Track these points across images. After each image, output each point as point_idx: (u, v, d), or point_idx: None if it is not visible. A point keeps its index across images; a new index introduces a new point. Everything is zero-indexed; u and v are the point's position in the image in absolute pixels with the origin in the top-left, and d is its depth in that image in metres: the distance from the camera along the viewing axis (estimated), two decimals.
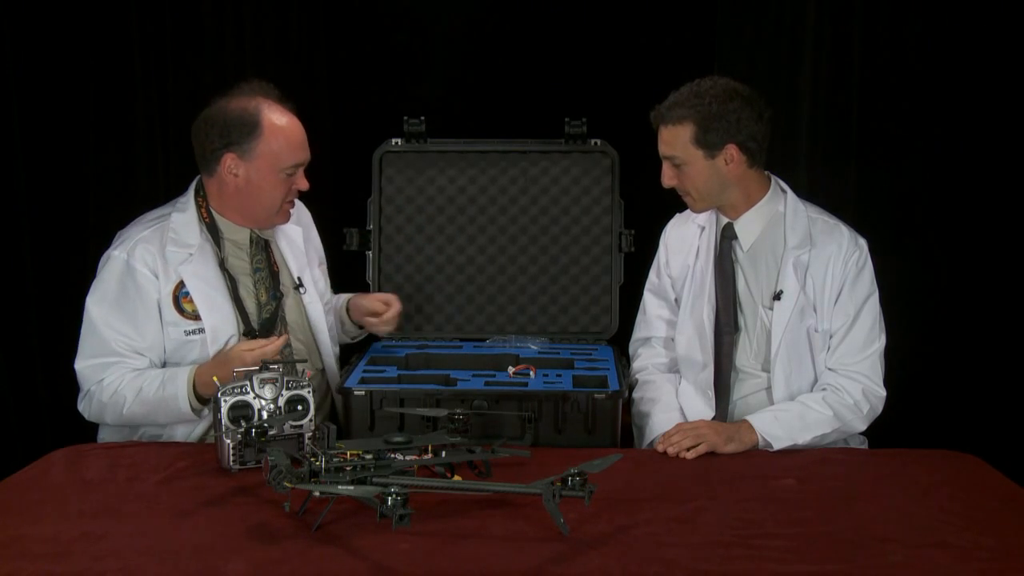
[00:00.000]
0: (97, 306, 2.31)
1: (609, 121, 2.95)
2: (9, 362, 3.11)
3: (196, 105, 2.43)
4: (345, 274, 2.84)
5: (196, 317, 2.32)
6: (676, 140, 2.30)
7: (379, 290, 2.87)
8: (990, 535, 1.73)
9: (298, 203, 2.55)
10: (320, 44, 3.32)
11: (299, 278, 2.50)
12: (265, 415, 2.02)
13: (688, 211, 2.49)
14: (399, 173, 2.93)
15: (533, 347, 2.71)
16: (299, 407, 2.06)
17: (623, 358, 2.66)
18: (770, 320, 2.34)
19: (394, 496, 1.61)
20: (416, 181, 2.93)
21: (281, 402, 2.04)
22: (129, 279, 2.31)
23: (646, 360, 2.56)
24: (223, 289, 2.36)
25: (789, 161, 2.98)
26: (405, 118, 2.91)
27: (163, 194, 2.60)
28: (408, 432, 1.98)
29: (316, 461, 1.75)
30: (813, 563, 1.63)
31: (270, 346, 2.24)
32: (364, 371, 2.44)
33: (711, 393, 2.39)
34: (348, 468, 1.77)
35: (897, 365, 2.44)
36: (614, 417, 2.24)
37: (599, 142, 2.90)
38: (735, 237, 2.41)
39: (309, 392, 2.07)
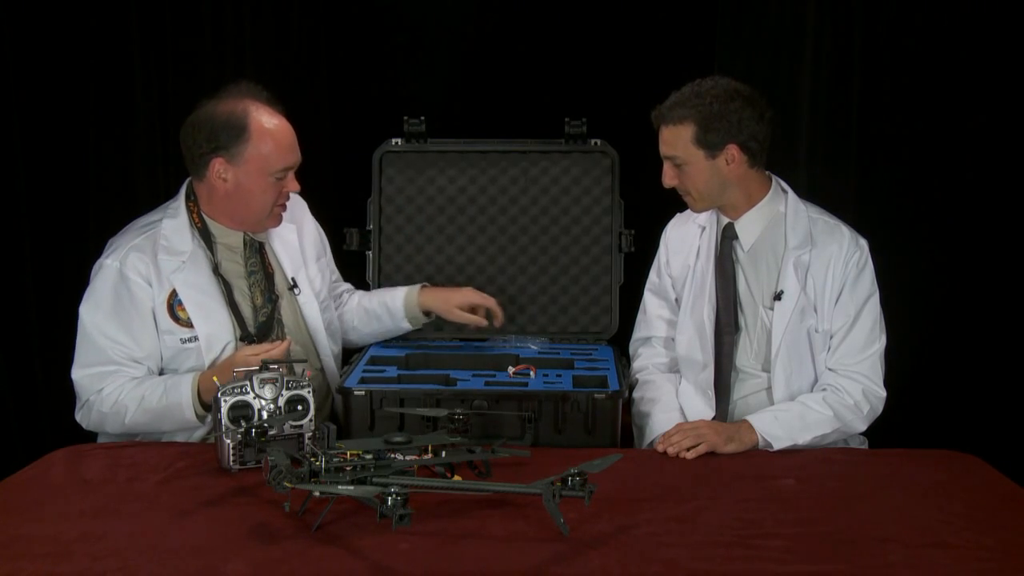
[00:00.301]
0: (91, 315, 2.29)
1: (609, 121, 2.95)
2: (9, 363, 3.11)
3: (196, 105, 2.41)
4: (345, 274, 2.83)
5: (191, 325, 2.31)
6: (677, 140, 2.30)
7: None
8: (990, 535, 1.73)
9: (294, 197, 2.54)
10: (320, 44, 3.32)
11: (293, 279, 2.49)
12: (265, 415, 2.02)
13: (688, 211, 2.49)
14: (399, 173, 2.92)
15: (533, 347, 2.71)
16: (299, 407, 2.06)
17: (623, 358, 2.66)
18: (770, 320, 2.34)
19: (394, 496, 1.61)
20: (416, 181, 2.92)
21: (281, 402, 2.04)
22: (123, 288, 2.29)
23: (646, 360, 2.56)
24: (217, 295, 2.35)
25: (789, 161, 2.98)
26: (405, 118, 2.90)
27: (163, 194, 2.60)
28: (408, 432, 1.98)
29: (316, 461, 1.75)
30: (813, 563, 1.63)
31: (274, 351, 2.24)
32: (364, 371, 2.44)
33: (711, 393, 2.39)
34: (348, 468, 1.77)
35: (897, 365, 2.44)
36: (614, 417, 2.24)
37: (599, 142, 2.90)
38: (736, 237, 2.41)
39: (309, 392, 2.07)
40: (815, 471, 2.07)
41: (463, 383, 2.34)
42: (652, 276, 2.60)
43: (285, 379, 2.05)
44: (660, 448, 2.17)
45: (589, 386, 2.32)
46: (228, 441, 2.00)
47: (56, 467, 2.07)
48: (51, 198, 3.17)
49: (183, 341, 2.31)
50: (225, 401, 2.00)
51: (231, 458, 2.00)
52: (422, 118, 2.90)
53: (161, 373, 2.34)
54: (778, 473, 2.05)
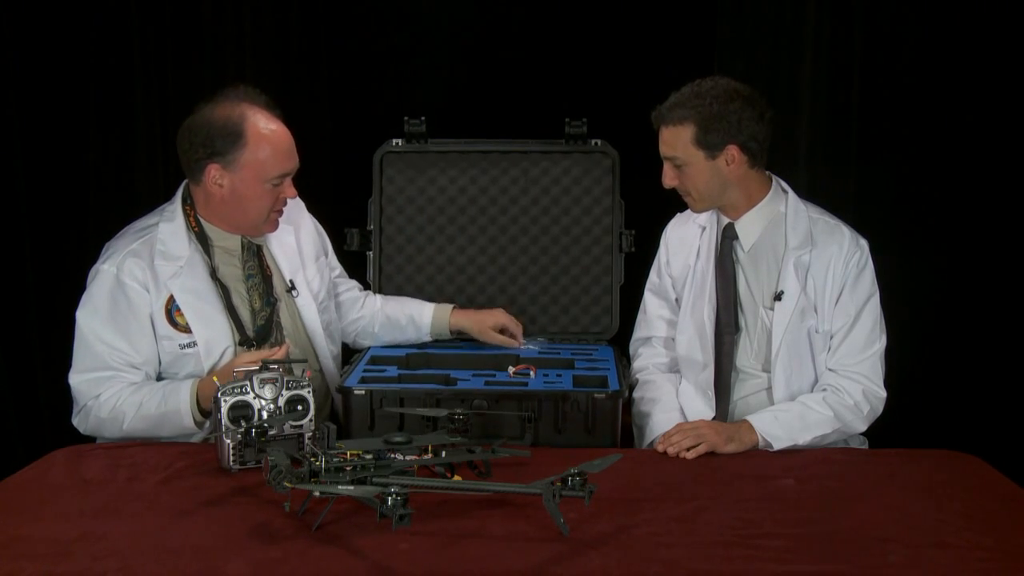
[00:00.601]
0: (89, 321, 2.28)
1: (609, 121, 2.95)
2: (9, 363, 3.12)
3: (193, 109, 2.39)
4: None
5: (190, 330, 2.30)
6: (677, 141, 2.30)
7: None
8: (990, 535, 1.73)
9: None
10: (320, 44, 3.32)
11: (291, 281, 2.48)
12: (265, 415, 2.02)
13: (689, 211, 2.49)
14: (400, 173, 2.93)
15: (533, 347, 2.71)
16: (299, 407, 2.06)
17: (623, 358, 2.66)
18: (771, 320, 2.34)
19: (394, 496, 1.61)
20: (417, 181, 2.92)
21: (281, 402, 2.04)
22: (120, 293, 2.28)
23: (646, 360, 2.56)
24: (215, 300, 2.34)
25: (789, 161, 2.98)
26: (405, 118, 2.90)
27: (163, 194, 2.60)
28: (408, 432, 1.98)
29: (316, 461, 1.75)
30: (813, 563, 1.63)
31: (273, 357, 2.23)
32: (364, 370, 2.44)
33: (711, 393, 2.39)
34: (348, 468, 1.77)
35: (897, 365, 2.44)
36: (614, 417, 2.24)
37: (599, 142, 2.90)
38: (736, 237, 2.40)
39: (309, 392, 2.07)
40: (815, 471, 2.07)
41: (463, 383, 2.34)
42: (652, 276, 2.60)
43: (285, 379, 2.05)
44: (660, 448, 2.17)
45: (589, 386, 2.32)
46: (228, 441, 2.00)
47: (56, 467, 2.07)
48: (51, 198, 3.17)
49: (181, 347, 2.30)
50: (225, 401, 2.00)
51: (231, 458, 2.00)
52: (423, 118, 2.90)
53: (159, 379, 2.33)
54: (778, 473, 2.05)
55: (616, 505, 1.83)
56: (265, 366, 2.06)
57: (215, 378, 2.06)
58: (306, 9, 3.28)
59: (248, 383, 2.02)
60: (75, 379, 2.29)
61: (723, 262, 2.41)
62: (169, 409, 2.23)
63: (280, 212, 2.39)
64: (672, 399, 2.44)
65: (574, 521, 1.73)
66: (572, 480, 1.71)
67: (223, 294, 2.34)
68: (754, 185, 2.38)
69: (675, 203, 2.48)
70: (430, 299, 2.82)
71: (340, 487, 1.69)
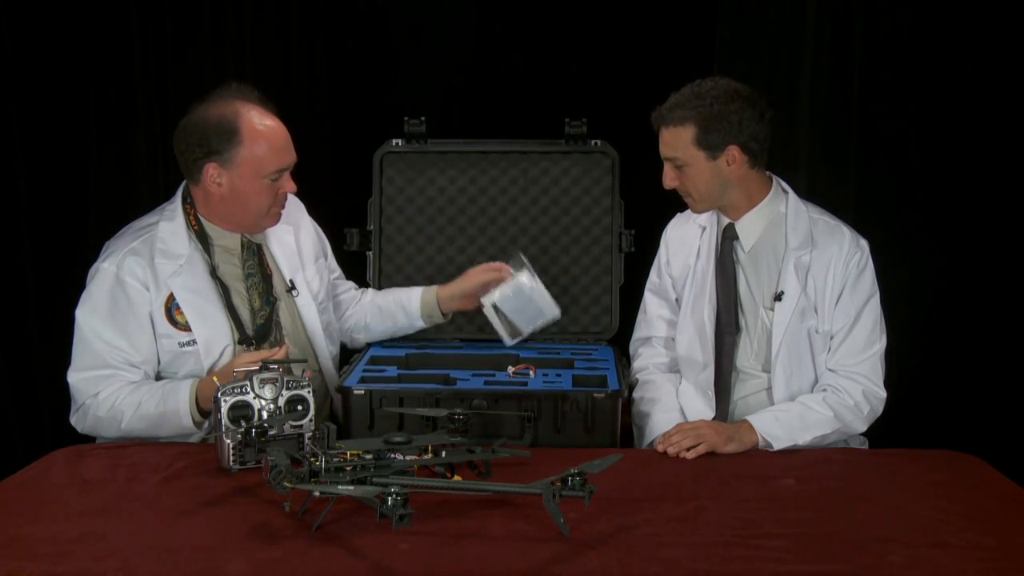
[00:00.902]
0: (88, 319, 2.28)
1: (609, 121, 2.95)
2: (9, 363, 3.12)
3: (188, 109, 2.39)
4: (345, 274, 2.83)
5: (189, 328, 2.30)
6: (677, 141, 2.30)
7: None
8: (990, 535, 1.73)
9: (290, 198, 2.53)
10: (320, 44, 3.32)
11: (291, 280, 2.48)
12: (265, 415, 2.02)
13: (689, 211, 2.48)
14: (399, 174, 2.93)
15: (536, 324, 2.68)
16: (299, 407, 2.06)
17: (623, 358, 2.66)
18: (771, 321, 2.34)
19: (394, 496, 1.61)
20: (416, 182, 2.93)
21: (281, 402, 2.04)
22: (120, 292, 2.28)
23: (647, 360, 2.56)
24: (215, 299, 2.34)
25: (789, 161, 2.98)
26: (405, 118, 2.90)
27: (163, 194, 2.59)
28: (408, 432, 1.98)
29: (316, 461, 1.75)
30: (813, 563, 1.63)
31: (273, 357, 2.23)
32: (364, 370, 2.44)
33: (711, 393, 2.39)
34: (348, 468, 1.77)
35: (897, 365, 2.44)
36: (614, 417, 2.24)
37: (599, 142, 2.90)
38: (736, 238, 2.40)
39: (309, 392, 2.07)
40: (815, 471, 2.07)
41: (463, 383, 2.34)
42: (652, 276, 2.60)
43: (285, 379, 2.05)
44: (660, 448, 2.17)
45: (589, 386, 2.32)
46: (228, 441, 2.00)
47: (56, 467, 2.07)
48: (51, 198, 3.17)
49: (181, 345, 2.30)
50: (225, 401, 2.00)
51: (231, 458, 2.00)
52: (422, 118, 2.90)
53: (158, 378, 2.33)
54: (778, 473, 2.05)
55: (616, 505, 1.83)
56: (265, 366, 2.06)
57: (215, 378, 2.06)
58: (306, 9, 3.28)
59: (248, 383, 2.02)
60: (74, 377, 2.29)
61: (723, 262, 2.41)
62: (168, 409, 2.23)
63: (281, 207, 2.39)
64: (672, 399, 2.44)
65: (574, 521, 1.73)
66: (572, 480, 1.71)
67: (223, 293, 2.34)
68: (754, 185, 2.38)
69: (675, 203, 2.48)
70: None
71: (340, 487, 1.69)
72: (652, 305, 2.59)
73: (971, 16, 3.03)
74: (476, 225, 2.92)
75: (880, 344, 2.34)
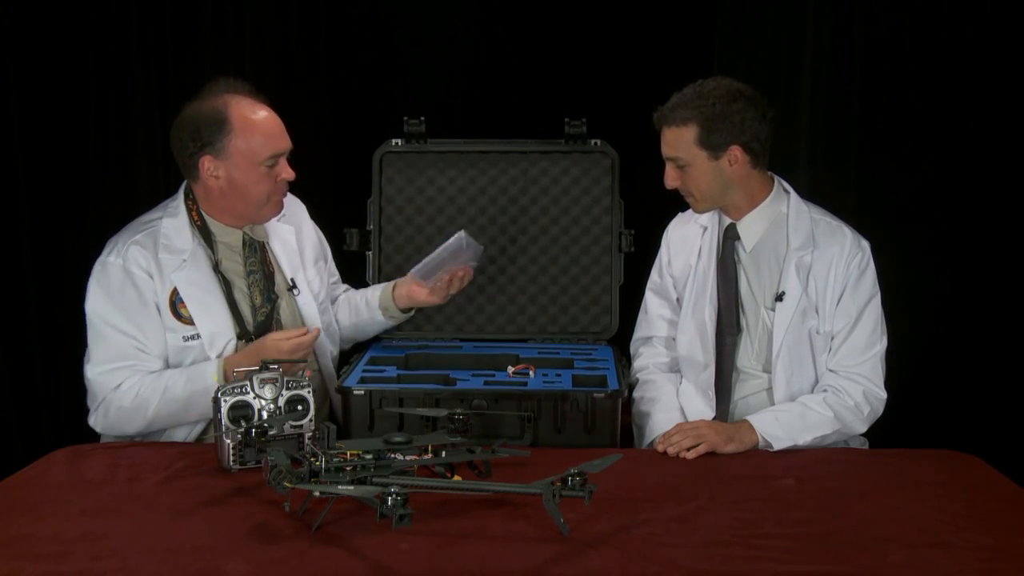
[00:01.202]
0: (100, 312, 2.28)
1: (609, 121, 2.95)
2: (9, 362, 3.11)
3: (181, 108, 2.40)
4: (345, 274, 2.84)
5: (192, 323, 2.31)
6: (680, 141, 2.30)
7: None
8: (990, 535, 1.73)
9: (293, 199, 2.53)
10: (320, 44, 3.32)
11: (292, 279, 2.48)
12: (265, 415, 2.03)
13: (690, 210, 2.48)
14: (399, 173, 2.93)
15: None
16: (299, 407, 2.06)
17: (623, 358, 2.66)
18: (772, 321, 2.34)
19: (394, 496, 1.61)
20: (416, 181, 2.92)
21: (281, 402, 2.04)
22: (127, 282, 2.28)
23: (647, 359, 2.56)
24: (218, 293, 2.34)
25: (789, 161, 2.98)
26: (405, 118, 2.90)
27: (163, 194, 2.60)
28: (408, 432, 1.98)
29: (316, 461, 1.75)
30: (813, 563, 1.63)
31: (306, 337, 2.23)
32: (364, 371, 2.44)
33: (712, 393, 2.39)
34: (348, 468, 1.77)
35: (897, 365, 2.44)
36: (614, 417, 2.24)
37: (599, 142, 2.90)
38: (738, 238, 2.40)
39: (309, 392, 2.07)
40: (815, 471, 2.07)
41: (463, 383, 2.34)
42: (653, 276, 2.60)
43: (285, 379, 2.05)
44: (660, 448, 2.17)
45: (588, 386, 2.32)
46: (228, 441, 2.00)
47: (56, 467, 2.07)
48: (51, 197, 3.16)
49: (185, 339, 2.31)
50: (225, 401, 2.00)
51: (231, 458, 2.00)
52: (422, 118, 2.90)
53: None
54: (778, 473, 2.05)
55: (616, 505, 1.83)
56: (265, 366, 2.06)
57: (215, 377, 2.05)
58: (306, 9, 3.28)
59: (248, 383, 2.03)
60: (92, 371, 2.28)
61: (725, 262, 2.41)
62: (195, 389, 2.23)
63: (281, 195, 2.39)
64: (672, 399, 2.43)
65: (574, 521, 1.73)
66: (572, 480, 1.71)
67: (225, 288, 2.35)
68: (756, 186, 2.38)
69: (674, 203, 2.48)
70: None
71: (340, 487, 1.69)
72: (653, 305, 2.59)
73: (971, 16, 3.03)
74: (476, 225, 2.92)
75: (881, 345, 2.34)
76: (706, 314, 2.40)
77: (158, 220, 2.37)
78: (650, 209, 2.66)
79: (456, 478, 1.93)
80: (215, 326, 2.32)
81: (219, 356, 2.31)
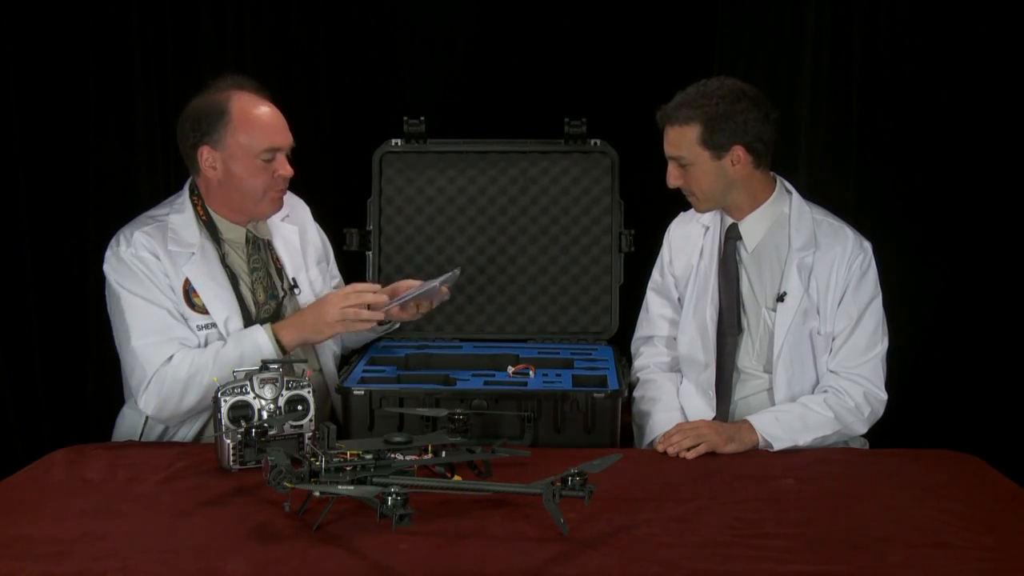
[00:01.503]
0: (131, 290, 2.27)
1: (609, 121, 2.95)
2: (9, 362, 3.11)
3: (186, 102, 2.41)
4: (345, 274, 2.83)
5: (207, 311, 2.32)
6: (682, 140, 2.30)
7: None
8: (990, 535, 1.73)
9: (296, 200, 2.54)
10: (320, 44, 3.32)
11: (294, 279, 2.49)
12: (265, 415, 2.03)
13: (692, 210, 2.48)
14: (399, 174, 2.93)
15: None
16: (299, 407, 2.06)
17: (623, 358, 2.66)
18: (773, 321, 2.34)
19: (394, 496, 1.61)
20: (416, 182, 2.93)
21: (281, 402, 2.04)
22: (142, 266, 2.29)
23: (648, 359, 2.56)
24: (228, 285, 2.36)
25: (789, 161, 2.98)
26: (405, 118, 2.90)
27: (163, 194, 2.60)
28: (408, 432, 1.98)
29: (316, 461, 1.75)
30: (813, 563, 1.63)
31: (380, 297, 2.29)
32: (364, 371, 2.44)
33: (712, 393, 2.39)
34: (348, 468, 1.77)
35: (897, 366, 2.44)
36: (614, 417, 2.24)
37: (599, 142, 2.90)
38: (739, 238, 2.40)
39: (309, 392, 2.07)
40: (815, 471, 2.07)
41: (463, 383, 2.34)
42: (655, 275, 2.60)
43: (285, 379, 2.05)
44: (660, 448, 2.17)
45: (588, 386, 2.32)
46: (228, 441, 2.00)
47: (56, 467, 2.07)
48: (51, 198, 3.16)
49: (199, 327, 2.31)
50: (225, 401, 2.00)
51: (231, 458, 2.00)
52: (422, 118, 2.90)
53: None
54: (778, 473, 2.05)
55: (616, 505, 1.83)
56: (265, 366, 2.06)
57: (215, 378, 2.05)
58: (306, 9, 3.28)
59: (248, 383, 2.03)
60: (138, 342, 2.25)
61: (726, 262, 2.41)
62: (247, 349, 2.25)
63: (279, 191, 2.38)
64: (673, 399, 2.43)
65: (574, 521, 1.73)
66: (572, 480, 1.71)
67: (232, 282, 2.36)
68: (759, 186, 2.38)
69: (674, 203, 2.48)
70: None
71: (340, 487, 1.69)
72: (654, 304, 2.59)
73: (971, 16, 3.03)
74: (476, 225, 2.92)
75: (882, 346, 2.33)
76: (707, 314, 2.40)
77: (165, 216, 2.38)
78: (650, 209, 2.66)
79: (456, 478, 1.93)
80: (228, 313, 2.33)
81: (310, 304, 2.34)
